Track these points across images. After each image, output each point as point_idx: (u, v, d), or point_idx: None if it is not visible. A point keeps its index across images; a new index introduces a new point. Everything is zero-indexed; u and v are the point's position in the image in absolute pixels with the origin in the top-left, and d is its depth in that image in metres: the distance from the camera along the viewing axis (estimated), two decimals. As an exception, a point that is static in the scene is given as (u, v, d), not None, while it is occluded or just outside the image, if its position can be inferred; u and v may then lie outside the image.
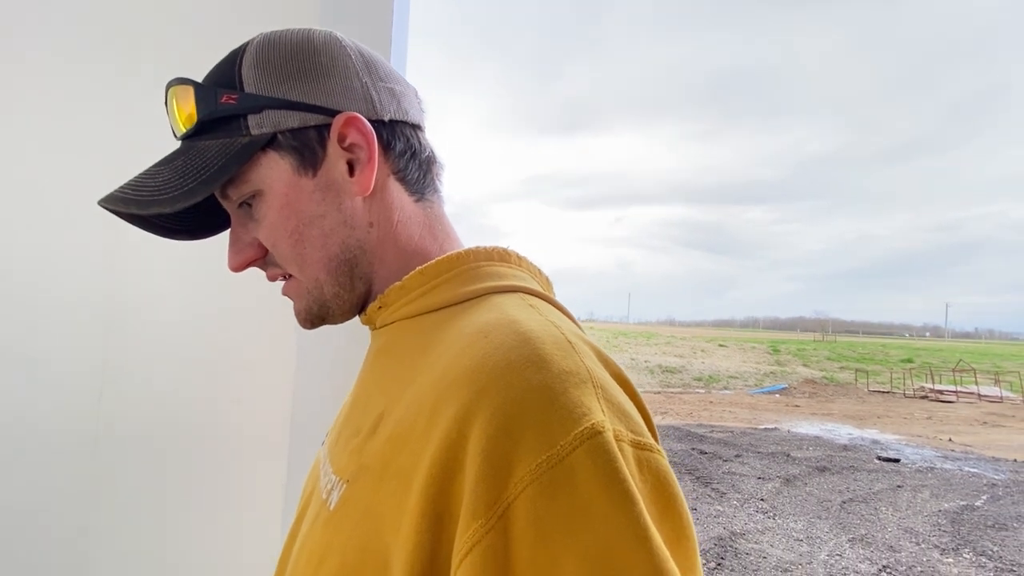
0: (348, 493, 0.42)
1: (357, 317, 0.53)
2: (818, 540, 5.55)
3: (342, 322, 0.52)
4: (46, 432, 1.02)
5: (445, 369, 0.40)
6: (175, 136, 0.50)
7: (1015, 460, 9.33)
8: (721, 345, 32.29)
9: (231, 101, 0.46)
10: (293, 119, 0.46)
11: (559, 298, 0.49)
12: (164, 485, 1.03)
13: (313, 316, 0.50)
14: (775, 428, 11.84)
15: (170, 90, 0.49)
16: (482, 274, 0.48)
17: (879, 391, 20.56)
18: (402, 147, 0.50)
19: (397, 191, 0.50)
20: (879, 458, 9.10)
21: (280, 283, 0.52)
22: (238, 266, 0.50)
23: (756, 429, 11.66)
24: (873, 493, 7.17)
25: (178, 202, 0.45)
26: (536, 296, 0.47)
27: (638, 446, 0.36)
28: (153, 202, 0.45)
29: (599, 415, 0.35)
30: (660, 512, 0.35)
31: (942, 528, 5.97)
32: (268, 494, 0.99)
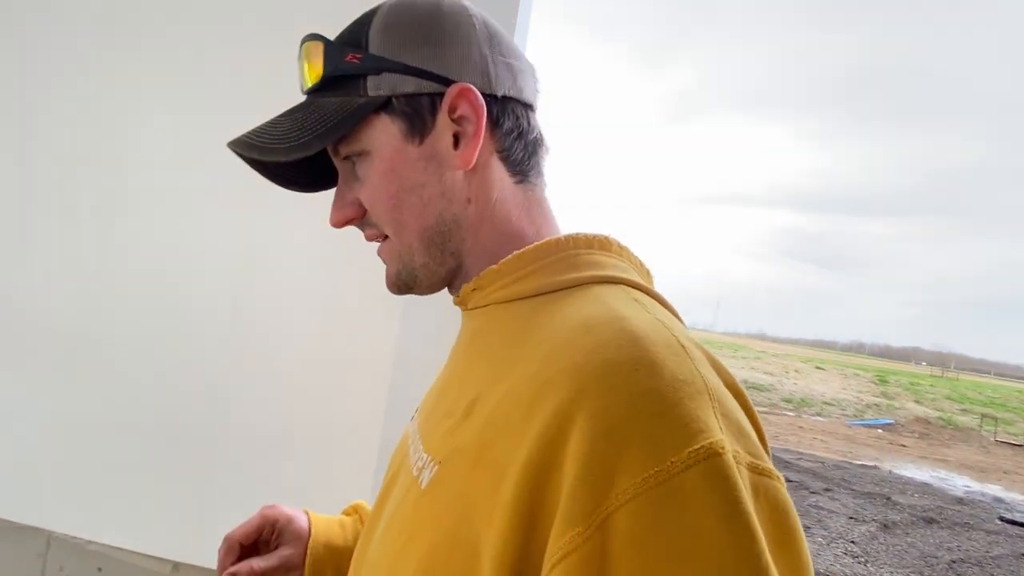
0: (440, 474, 0.42)
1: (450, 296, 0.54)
2: (917, 598, 4.99)
3: (427, 294, 0.53)
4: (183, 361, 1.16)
5: (544, 362, 0.39)
6: (301, 90, 0.52)
7: None
8: (819, 367, 29.77)
9: (355, 60, 0.48)
10: (409, 84, 0.47)
11: None
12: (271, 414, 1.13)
13: (400, 282, 0.52)
14: (875, 466, 10.76)
15: (303, 45, 0.50)
16: (581, 263, 0.47)
17: (1010, 443, 17.91)
18: (510, 125, 0.50)
19: (499, 170, 0.50)
20: (1002, 519, 7.99)
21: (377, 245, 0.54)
22: (337, 222, 0.52)
23: (851, 464, 10.67)
24: (991, 557, 6.31)
25: (293, 152, 0.47)
26: (639, 290, 0.45)
27: (755, 470, 0.34)
28: (271, 150, 0.48)
29: (717, 433, 0.33)
30: (775, 549, 0.32)
31: (1077, 612, 5.14)
32: (365, 441, 1.04)
